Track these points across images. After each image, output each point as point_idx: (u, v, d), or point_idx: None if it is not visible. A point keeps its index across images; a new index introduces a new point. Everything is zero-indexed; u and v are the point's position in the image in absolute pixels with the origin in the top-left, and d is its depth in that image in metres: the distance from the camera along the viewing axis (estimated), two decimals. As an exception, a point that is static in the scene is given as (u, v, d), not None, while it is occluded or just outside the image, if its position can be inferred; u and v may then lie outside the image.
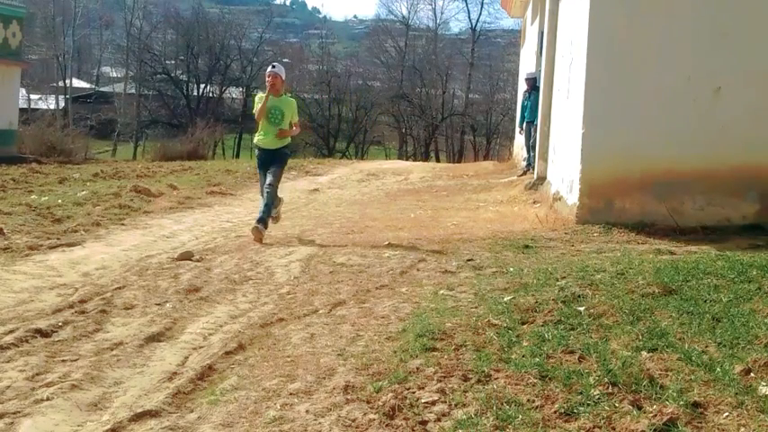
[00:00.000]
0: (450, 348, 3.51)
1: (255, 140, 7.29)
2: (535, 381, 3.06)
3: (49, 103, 38.41)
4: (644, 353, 3.31)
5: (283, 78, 7.01)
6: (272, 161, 7.10)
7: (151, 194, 9.84)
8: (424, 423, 2.82)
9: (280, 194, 7.32)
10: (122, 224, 7.87)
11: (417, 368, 3.29)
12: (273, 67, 7.05)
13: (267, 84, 6.99)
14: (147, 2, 43.19)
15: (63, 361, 3.71)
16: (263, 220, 6.86)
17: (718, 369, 3.08)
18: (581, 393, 2.91)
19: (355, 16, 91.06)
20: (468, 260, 5.57)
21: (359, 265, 5.67)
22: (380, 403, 2.97)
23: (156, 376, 3.55)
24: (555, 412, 2.80)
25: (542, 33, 11.09)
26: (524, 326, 3.79)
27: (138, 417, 3.07)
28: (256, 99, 7.23)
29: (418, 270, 5.41)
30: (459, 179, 13.23)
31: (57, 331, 4.13)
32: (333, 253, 6.15)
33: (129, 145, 38.93)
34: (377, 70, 43.59)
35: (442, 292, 4.71)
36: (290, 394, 3.19)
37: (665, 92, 6.80)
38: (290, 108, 7.11)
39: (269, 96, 6.97)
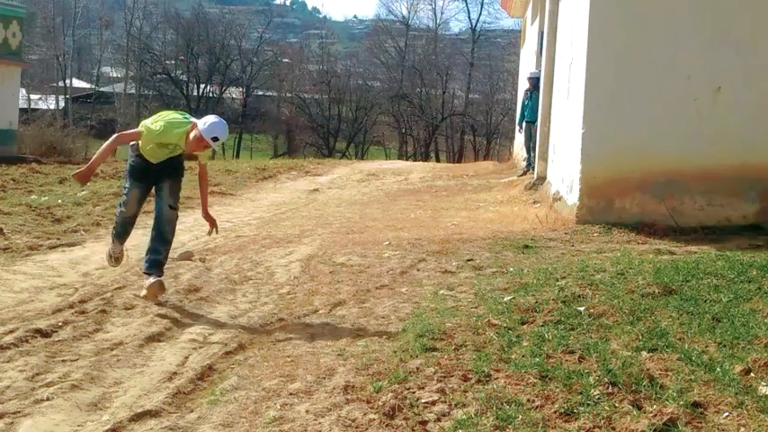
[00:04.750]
0: (450, 348, 3.51)
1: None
2: (535, 381, 3.06)
3: (49, 103, 38.31)
4: (644, 353, 3.31)
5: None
6: (165, 172, 5.19)
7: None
8: (424, 423, 2.82)
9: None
10: (122, 224, 7.87)
11: (417, 368, 3.29)
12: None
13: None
14: (147, 2, 43.14)
15: (63, 361, 3.71)
16: (159, 265, 4.81)
17: (718, 369, 3.08)
18: (581, 393, 2.91)
19: (355, 16, 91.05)
20: (468, 260, 5.57)
21: (359, 265, 5.66)
22: (380, 403, 2.97)
23: (156, 376, 3.56)
24: (555, 412, 2.80)
25: (542, 33, 11.09)
26: (524, 326, 3.79)
27: (138, 417, 3.07)
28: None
29: (418, 270, 5.41)
30: (459, 179, 13.22)
31: (57, 331, 4.13)
32: (333, 253, 6.15)
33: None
34: (377, 70, 43.50)
35: (441, 292, 4.70)
36: (290, 394, 3.19)
37: (665, 92, 6.79)
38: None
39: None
